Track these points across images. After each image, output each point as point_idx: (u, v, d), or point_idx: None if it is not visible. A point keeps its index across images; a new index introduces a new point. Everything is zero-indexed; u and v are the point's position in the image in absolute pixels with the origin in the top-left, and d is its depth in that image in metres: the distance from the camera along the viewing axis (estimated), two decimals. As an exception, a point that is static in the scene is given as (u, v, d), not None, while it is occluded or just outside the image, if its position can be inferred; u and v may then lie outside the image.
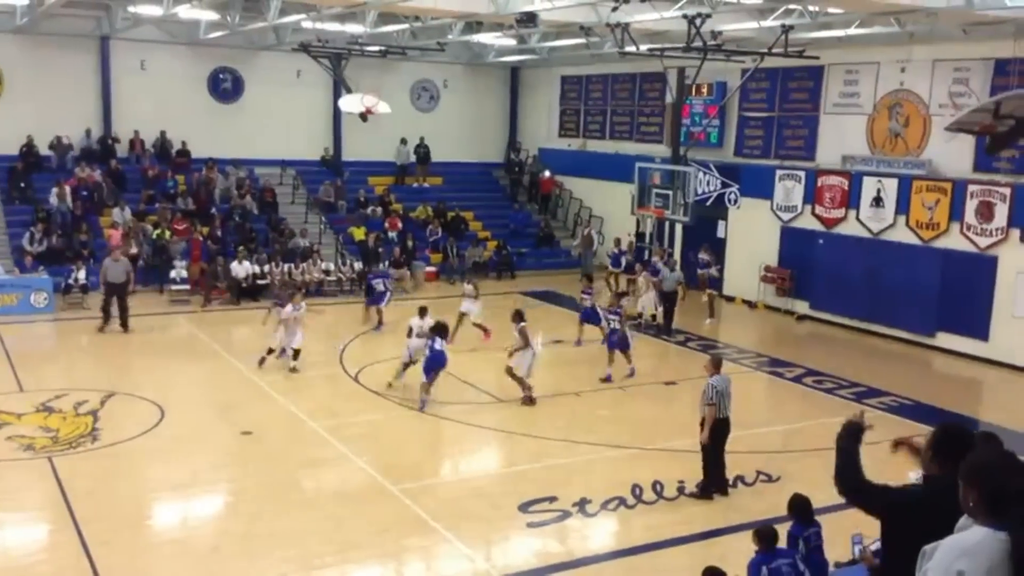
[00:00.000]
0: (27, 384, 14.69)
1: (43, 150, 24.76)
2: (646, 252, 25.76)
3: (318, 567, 8.99)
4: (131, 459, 11.80)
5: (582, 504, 10.48)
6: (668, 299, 19.59)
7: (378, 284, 19.47)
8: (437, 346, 13.83)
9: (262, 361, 15.75)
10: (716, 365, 10.93)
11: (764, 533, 7.52)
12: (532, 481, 11.19)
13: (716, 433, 10.67)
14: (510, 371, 14.36)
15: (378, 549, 9.47)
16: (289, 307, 15.70)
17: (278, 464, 11.71)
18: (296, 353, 15.64)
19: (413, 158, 29.36)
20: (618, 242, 23.99)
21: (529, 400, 14.25)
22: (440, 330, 14.15)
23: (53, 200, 23.07)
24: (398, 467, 11.54)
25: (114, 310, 18.41)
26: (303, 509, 10.35)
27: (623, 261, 23.32)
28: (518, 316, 14.65)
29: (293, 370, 15.60)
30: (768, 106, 23.21)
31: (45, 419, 12.93)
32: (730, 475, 11.05)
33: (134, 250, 21.80)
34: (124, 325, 18.38)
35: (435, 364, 13.84)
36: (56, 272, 20.70)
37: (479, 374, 15.78)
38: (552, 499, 10.58)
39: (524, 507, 10.37)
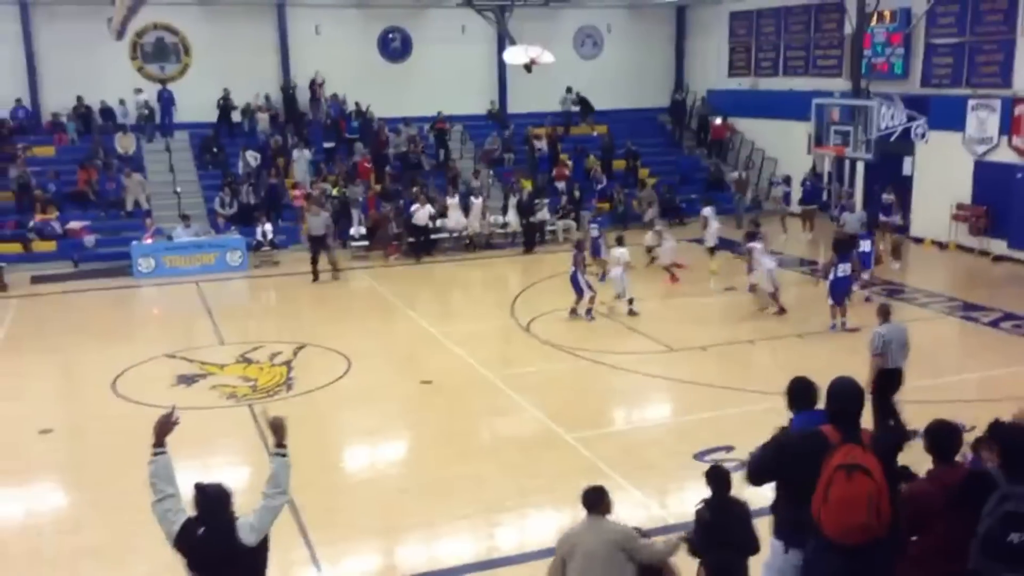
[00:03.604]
0: (227, 337, 15.85)
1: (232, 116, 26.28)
2: (824, 193, 24.70)
3: (498, 510, 9.31)
4: (323, 406, 12.54)
5: (759, 454, 10.28)
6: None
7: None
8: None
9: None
10: (883, 314, 10.52)
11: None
12: (707, 430, 11.09)
13: (886, 384, 10.19)
14: (754, 288, 16.21)
15: (555, 494, 9.64)
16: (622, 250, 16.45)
17: (456, 412, 12.15)
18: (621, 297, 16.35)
19: (578, 107, 29.20)
20: (809, 173, 23.75)
21: (781, 311, 15.90)
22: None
23: (250, 164, 24.51)
24: (572, 416, 11.70)
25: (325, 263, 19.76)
26: (482, 455, 10.72)
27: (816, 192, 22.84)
28: (748, 236, 16.60)
29: (631, 313, 16.22)
30: (959, 31, 21.48)
31: (244, 369, 13.95)
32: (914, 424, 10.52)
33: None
34: (334, 273, 19.81)
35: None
36: (247, 232, 22.11)
37: (652, 323, 15.73)
38: (728, 448, 10.44)
39: (700, 456, 10.29)
